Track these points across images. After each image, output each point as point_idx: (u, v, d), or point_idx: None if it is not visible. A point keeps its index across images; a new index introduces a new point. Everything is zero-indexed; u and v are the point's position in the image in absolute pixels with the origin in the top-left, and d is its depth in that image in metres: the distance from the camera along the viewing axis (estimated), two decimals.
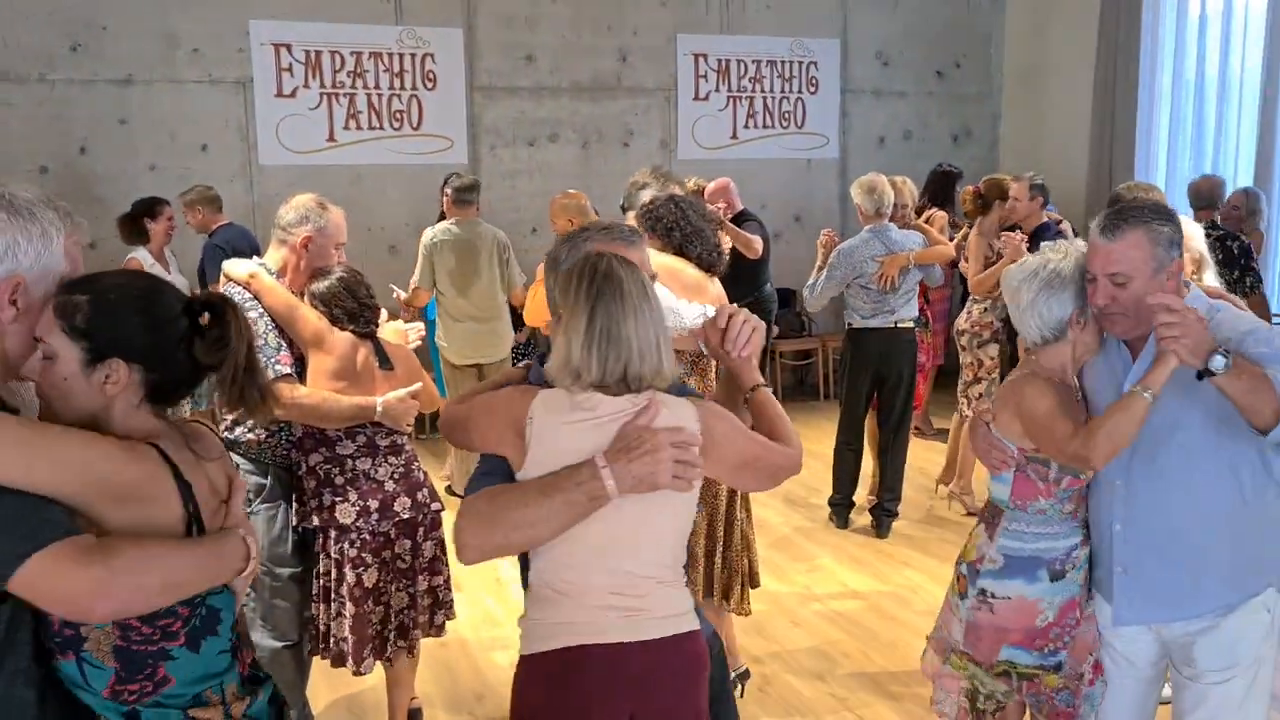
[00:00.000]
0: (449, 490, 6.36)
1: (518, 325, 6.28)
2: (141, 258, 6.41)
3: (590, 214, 5.10)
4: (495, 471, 2.01)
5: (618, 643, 1.97)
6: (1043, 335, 2.45)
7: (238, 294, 3.10)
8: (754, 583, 3.82)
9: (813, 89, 8.81)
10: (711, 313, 3.30)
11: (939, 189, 7.40)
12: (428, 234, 6.13)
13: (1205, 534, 2.35)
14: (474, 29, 7.91)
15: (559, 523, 1.91)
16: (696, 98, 8.50)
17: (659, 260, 3.35)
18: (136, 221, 6.48)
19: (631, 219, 3.72)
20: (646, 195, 3.79)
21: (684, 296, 3.20)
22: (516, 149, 8.14)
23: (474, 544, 1.92)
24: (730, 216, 6.40)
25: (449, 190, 6.25)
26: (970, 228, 5.97)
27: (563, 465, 1.92)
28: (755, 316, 2.18)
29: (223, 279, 3.25)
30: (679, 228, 3.47)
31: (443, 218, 6.44)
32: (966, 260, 5.97)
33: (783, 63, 8.71)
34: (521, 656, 2.06)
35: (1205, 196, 6.27)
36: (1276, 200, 6.73)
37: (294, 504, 3.28)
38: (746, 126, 8.68)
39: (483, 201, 7.69)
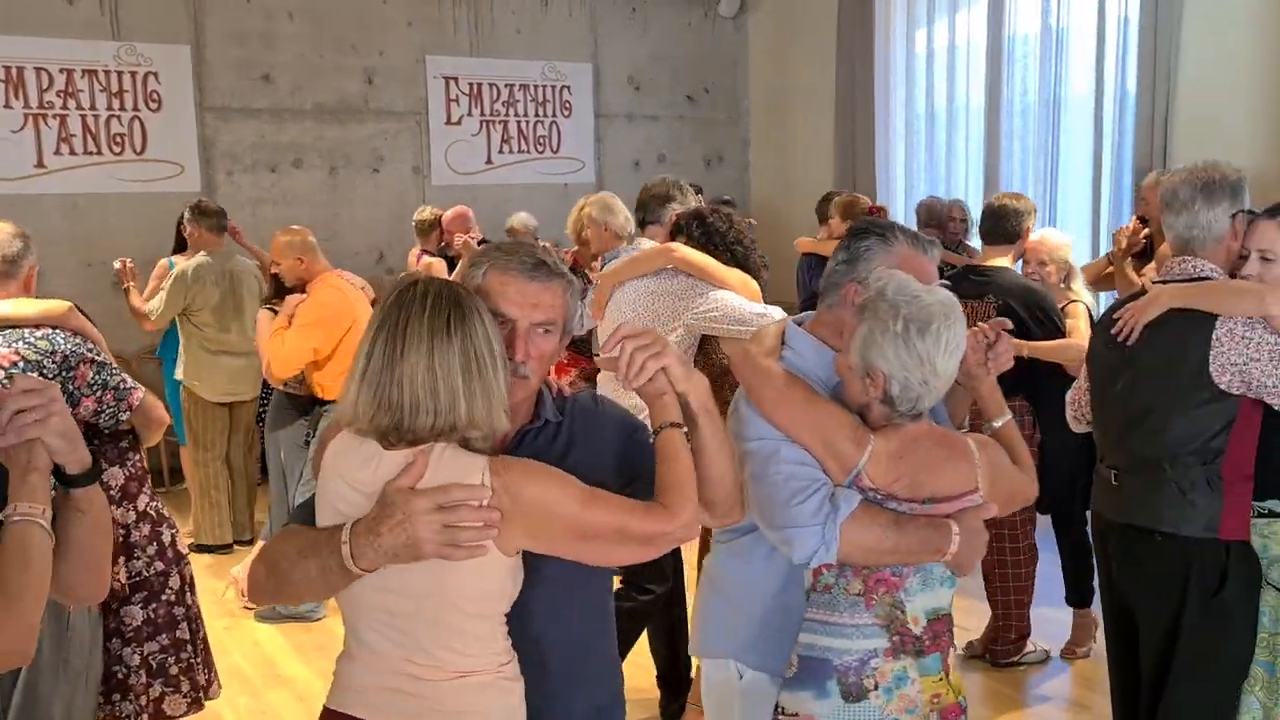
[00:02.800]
0: (195, 548, 5.81)
1: None
2: None
3: (318, 249, 4.71)
4: (307, 509, 1.83)
5: None
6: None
7: (42, 336, 2.69)
8: None
9: (567, 113, 8.74)
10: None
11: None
12: (185, 265, 5.71)
13: None
14: (202, 46, 7.32)
15: (321, 587, 1.71)
16: (449, 122, 8.24)
17: (734, 274, 3.44)
18: None
19: (655, 234, 3.73)
20: (674, 209, 3.74)
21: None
22: (257, 175, 7.59)
23: (254, 585, 1.78)
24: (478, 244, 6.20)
25: (198, 219, 5.84)
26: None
27: (333, 522, 1.70)
28: (657, 336, 1.76)
29: None
30: (739, 242, 3.53)
31: (179, 249, 5.98)
32: None
33: (536, 86, 8.59)
34: (325, 705, 1.82)
35: (936, 214, 6.66)
36: None
37: (140, 552, 2.98)
38: (501, 151, 8.49)
39: None
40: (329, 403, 4.56)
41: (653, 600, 3.64)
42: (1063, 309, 4.03)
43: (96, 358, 2.76)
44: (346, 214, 7.66)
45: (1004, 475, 2.04)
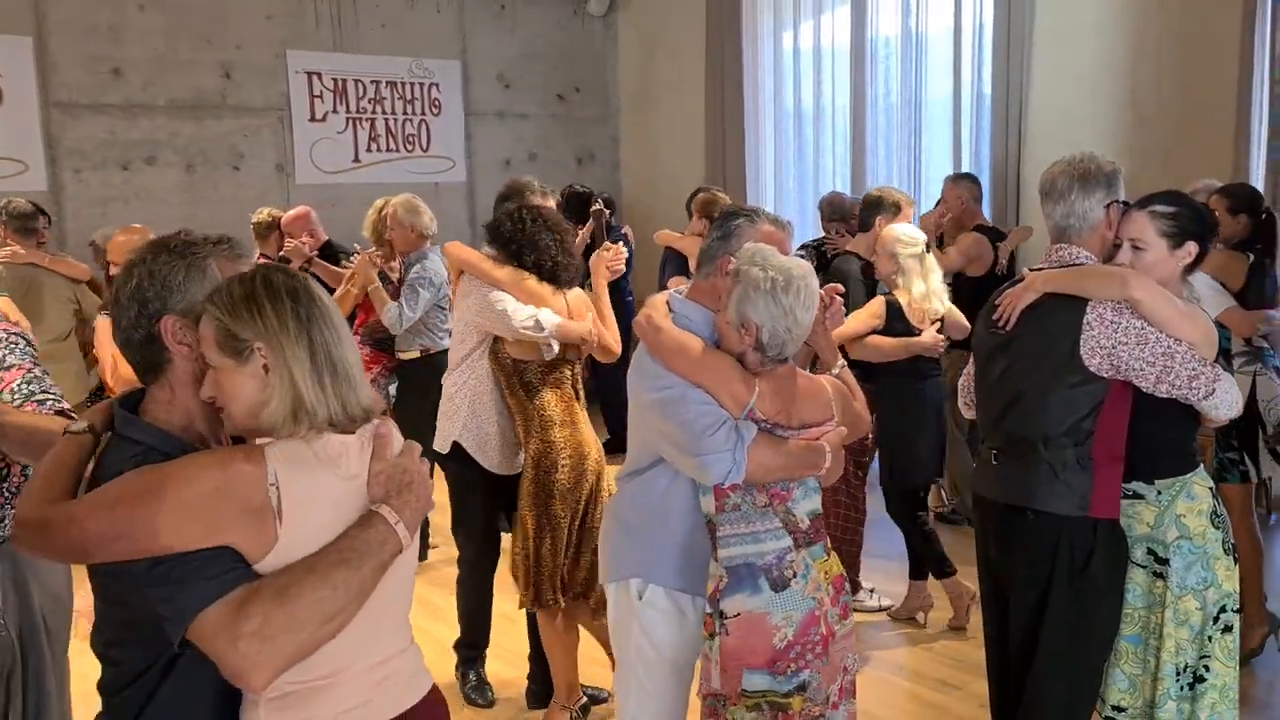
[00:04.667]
0: None
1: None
2: None
3: None
4: (232, 565, 1.56)
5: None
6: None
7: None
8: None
9: (436, 111, 8.60)
10: (546, 319, 3.47)
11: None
12: None
13: None
14: (45, 38, 6.93)
15: (365, 598, 1.60)
16: (313, 119, 8.00)
17: (503, 271, 3.52)
18: None
19: None
20: (510, 208, 3.77)
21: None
22: (107, 173, 7.23)
23: (275, 658, 1.51)
24: (318, 248, 6.06)
25: (6, 220, 5.59)
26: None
27: (332, 529, 1.59)
28: None
29: None
30: (515, 239, 3.57)
31: None
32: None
33: (403, 84, 8.42)
34: None
35: (839, 209, 6.70)
36: None
37: None
38: (369, 150, 8.29)
39: (70, 232, 6.81)
40: None
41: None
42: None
43: None
44: (206, 213, 7.35)
45: (849, 407, 2.57)
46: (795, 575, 2.36)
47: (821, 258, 5.91)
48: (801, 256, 5.79)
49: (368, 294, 5.22)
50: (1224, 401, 2.55)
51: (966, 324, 4.47)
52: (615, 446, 7.33)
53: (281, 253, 6.36)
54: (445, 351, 5.47)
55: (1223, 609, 2.67)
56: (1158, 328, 2.52)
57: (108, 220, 7.20)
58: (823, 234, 6.09)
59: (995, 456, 2.78)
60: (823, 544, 2.46)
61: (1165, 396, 2.56)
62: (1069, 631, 2.65)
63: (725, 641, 2.36)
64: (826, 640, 2.39)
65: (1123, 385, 2.59)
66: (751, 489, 2.36)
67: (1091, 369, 2.57)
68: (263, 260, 6.86)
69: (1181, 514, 2.66)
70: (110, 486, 1.55)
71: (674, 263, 5.95)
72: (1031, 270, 2.78)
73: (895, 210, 4.57)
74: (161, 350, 1.63)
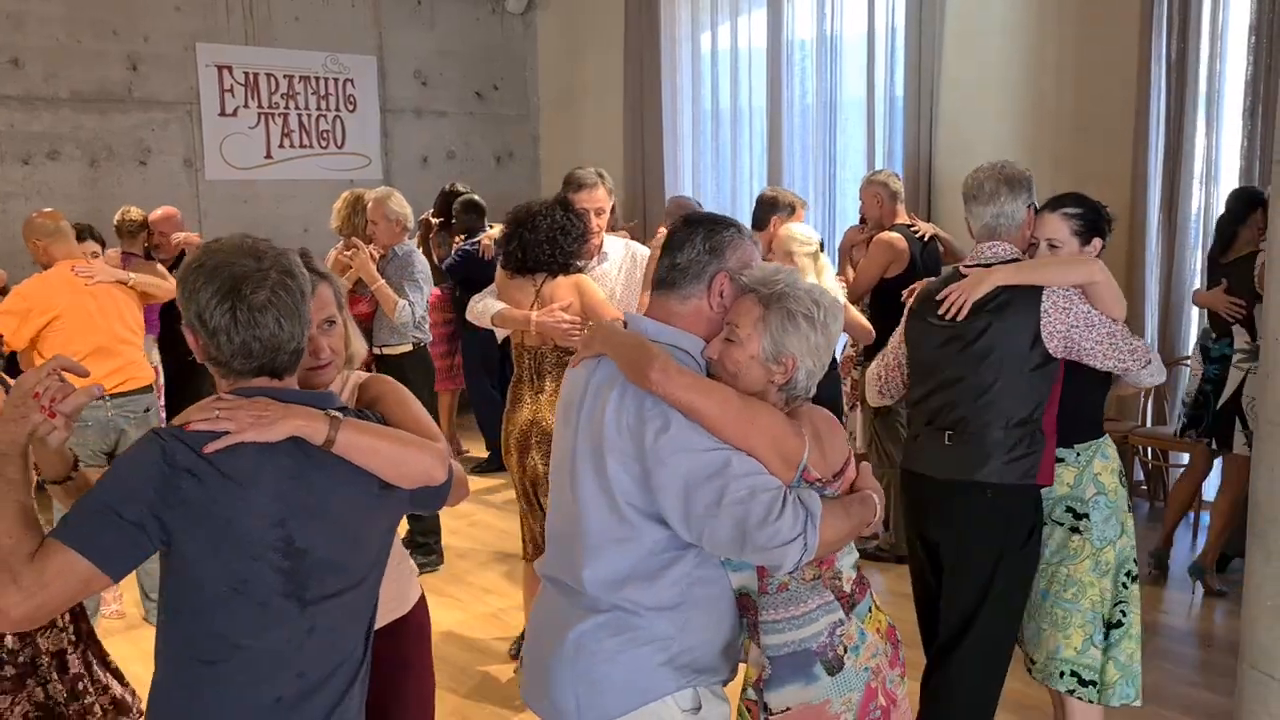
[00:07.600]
0: None
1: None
2: None
3: (70, 234, 4.53)
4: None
5: None
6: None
7: None
8: None
9: (351, 107, 8.47)
10: (481, 308, 3.87)
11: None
12: None
13: None
14: None
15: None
16: (223, 113, 7.82)
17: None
18: None
19: None
20: None
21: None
22: (7, 167, 6.99)
23: None
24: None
25: None
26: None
27: None
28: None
29: None
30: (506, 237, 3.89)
31: None
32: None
33: (317, 79, 8.27)
34: None
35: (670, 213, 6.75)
36: None
37: None
38: (282, 145, 8.13)
39: None
40: None
41: None
42: None
43: None
44: (109, 209, 7.10)
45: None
46: (848, 649, 2.00)
47: None
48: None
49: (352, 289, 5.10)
50: (1157, 369, 2.84)
51: (867, 325, 4.55)
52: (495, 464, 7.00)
53: (149, 248, 6.26)
54: (429, 344, 5.43)
55: (1126, 559, 2.91)
56: (1103, 308, 2.76)
57: (8, 217, 6.98)
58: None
59: (949, 437, 2.87)
60: (868, 596, 2.09)
61: (1107, 370, 2.81)
62: (1014, 597, 2.84)
63: None
64: (888, 711, 2.05)
65: (1061, 363, 2.81)
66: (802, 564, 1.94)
67: (1050, 351, 2.76)
68: (128, 256, 6.72)
69: (1098, 472, 2.89)
70: (397, 414, 1.94)
71: None
72: (965, 267, 2.92)
73: (790, 211, 4.78)
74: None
